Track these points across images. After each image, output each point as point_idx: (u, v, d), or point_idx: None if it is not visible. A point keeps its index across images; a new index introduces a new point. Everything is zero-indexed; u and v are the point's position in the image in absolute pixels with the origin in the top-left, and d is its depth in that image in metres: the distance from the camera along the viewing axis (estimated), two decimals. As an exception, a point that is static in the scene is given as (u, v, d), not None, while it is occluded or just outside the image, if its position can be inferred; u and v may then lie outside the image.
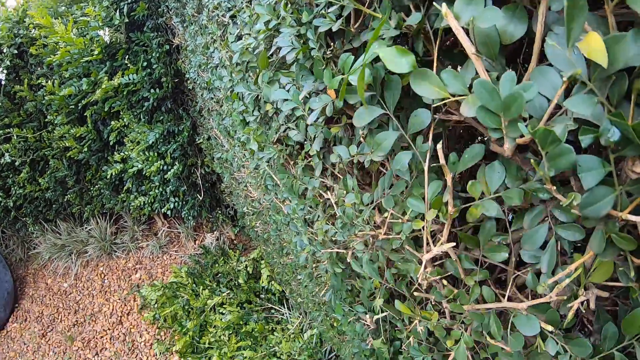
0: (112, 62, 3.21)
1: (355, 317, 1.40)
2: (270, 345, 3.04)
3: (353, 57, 0.74)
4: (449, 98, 0.62)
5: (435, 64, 0.67)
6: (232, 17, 1.42)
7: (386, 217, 0.90)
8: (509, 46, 0.66)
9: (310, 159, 1.12)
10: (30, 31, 3.55)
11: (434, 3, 0.63)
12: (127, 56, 3.17)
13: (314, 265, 1.62)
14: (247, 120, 1.36)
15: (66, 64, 3.23)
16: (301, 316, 3.14)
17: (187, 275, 3.73)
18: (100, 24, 3.07)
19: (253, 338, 3.14)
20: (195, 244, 4.32)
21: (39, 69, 3.72)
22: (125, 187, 3.94)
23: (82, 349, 3.67)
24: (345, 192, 1.00)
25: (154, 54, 3.14)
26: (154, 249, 4.33)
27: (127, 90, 3.18)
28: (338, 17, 0.78)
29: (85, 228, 4.50)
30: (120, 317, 3.84)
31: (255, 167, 1.66)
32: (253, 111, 1.30)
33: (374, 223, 0.96)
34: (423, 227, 0.79)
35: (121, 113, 3.38)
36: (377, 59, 0.69)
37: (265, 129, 1.30)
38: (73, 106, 3.53)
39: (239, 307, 3.36)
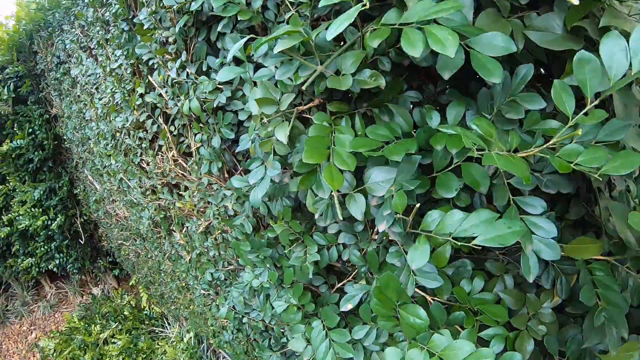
0: (1, 131, 4.37)
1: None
2: (157, 356, 4.14)
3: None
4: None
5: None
6: (96, 88, 2.79)
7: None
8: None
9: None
10: None
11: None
12: (15, 126, 4.36)
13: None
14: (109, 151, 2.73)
15: None
16: (180, 326, 4.30)
17: (79, 320, 4.76)
18: (-11, 99, 4.24)
19: (144, 354, 4.21)
20: (82, 298, 5.33)
21: None
22: (13, 250, 4.91)
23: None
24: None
25: (36, 123, 4.37)
26: (45, 309, 5.28)
27: (15, 154, 4.34)
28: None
29: None
30: (22, 373, 4.71)
31: (120, 181, 2.98)
32: (111, 141, 2.67)
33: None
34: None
35: (8, 177, 4.48)
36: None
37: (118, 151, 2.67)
38: None
39: (127, 334, 4.44)
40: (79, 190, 4.60)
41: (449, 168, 1.02)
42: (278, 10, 1.29)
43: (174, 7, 1.44)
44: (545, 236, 0.95)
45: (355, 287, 1.38)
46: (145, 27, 1.69)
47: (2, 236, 4.68)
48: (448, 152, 1.00)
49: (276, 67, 1.06)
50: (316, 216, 1.20)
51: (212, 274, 2.33)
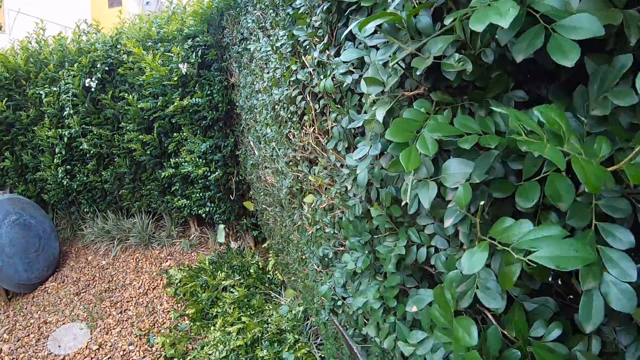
0: (184, 88, 4.93)
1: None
2: (265, 316, 4.42)
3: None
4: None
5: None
6: (265, 64, 3.05)
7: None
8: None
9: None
10: (121, 55, 5.30)
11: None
12: (196, 86, 4.90)
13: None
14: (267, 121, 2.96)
15: (147, 84, 4.99)
16: (294, 298, 4.52)
17: (210, 263, 5.24)
18: (180, 60, 4.81)
19: (253, 310, 4.53)
20: (220, 247, 5.84)
21: (121, 85, 5.44)
22: (172, 189, 5.57)
23: (109, 308, 5.08)
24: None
25: (215, 87, 4.87)
26: (185, 246, 5.89)
27: (192, 109, 4.88)
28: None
29: (130, 221, 6.17)
30: (147, 290, 5.31)
31: (272, 149, 3.23)
32: (270, 111, 2.90)
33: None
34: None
35: (182, 128, 5.06)
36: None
37: (275, 121, 2.89)
38: (145, 118, 5.24)
39: (246, 289, 4.79)
40: (240, 152, 5.05)
41: (538, 177, 0.90)
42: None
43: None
44: (620, 278, 0.76)
45: (428, 291, 1.33)
46: (300, 12, 1.84)
47: (167, 175, 5.35)
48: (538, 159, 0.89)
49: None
50: (402, 203, 1.22)
51: (324, 250, 2.45)
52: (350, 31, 1.52)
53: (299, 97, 2.29)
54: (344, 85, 1.61)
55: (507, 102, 1.04)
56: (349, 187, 1.88)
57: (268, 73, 2.95)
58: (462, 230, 1.03)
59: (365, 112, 1.33)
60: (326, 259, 2.46)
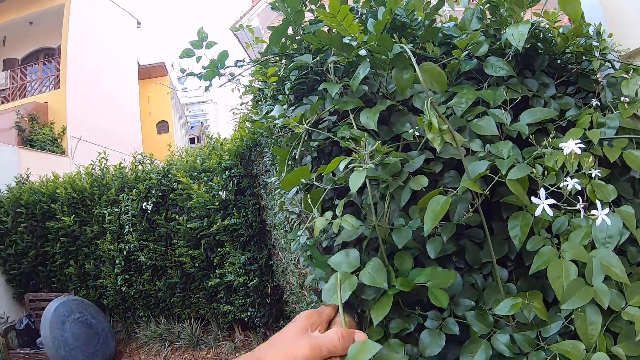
0: (224, 211, 5.73)
1: None
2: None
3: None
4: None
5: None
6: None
7: None
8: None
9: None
10: (172, 184, 6.16)
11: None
12: (234, 209, 5.73)
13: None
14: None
15: (194, 208, 5.85)
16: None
17: (251, 362, 5.86)
18: (220, 188, 5.72)
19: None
20: (263, 349, 6.40)
21: (173, 208, 6.27)
22: (217, 297, 6.24)
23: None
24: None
25: (249, 209, 5.67)
26: (230, 348, 6.36)
27: (231, 228, 5.67)
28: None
29: (181, 325, 6.76)
30: (194, 387, 5.79)
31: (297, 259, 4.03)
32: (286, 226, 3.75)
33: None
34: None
35: (225, 243, 5.86)
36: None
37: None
38: (193, 235, 6.04)
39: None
40: (272, 262, 5.68)
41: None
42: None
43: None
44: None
45: None
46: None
47: (213, 284, 6.00)
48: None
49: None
50: None
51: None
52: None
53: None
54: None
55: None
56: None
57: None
58: None
59: None
60: None
